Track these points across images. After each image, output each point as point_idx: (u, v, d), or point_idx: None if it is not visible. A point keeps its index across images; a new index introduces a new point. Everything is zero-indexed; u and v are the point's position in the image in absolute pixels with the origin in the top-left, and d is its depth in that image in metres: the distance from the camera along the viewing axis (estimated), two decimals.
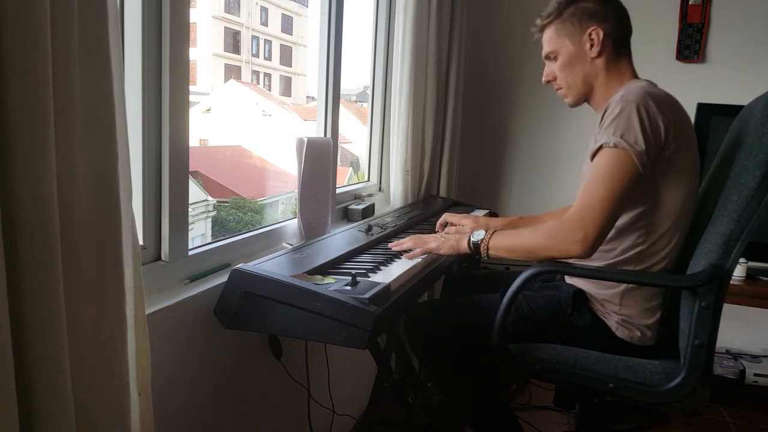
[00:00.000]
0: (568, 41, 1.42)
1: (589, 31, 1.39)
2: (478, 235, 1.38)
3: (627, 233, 1.34)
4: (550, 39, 1.46)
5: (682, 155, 1.29)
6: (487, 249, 1.36)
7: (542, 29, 1.47)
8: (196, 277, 1.27)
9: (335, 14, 1.89)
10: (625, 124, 1.24)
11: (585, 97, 1.47)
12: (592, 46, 1.40)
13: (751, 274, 2.36)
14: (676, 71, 2.64)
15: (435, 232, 1.66)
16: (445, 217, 1.71)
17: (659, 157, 1.27)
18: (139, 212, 1.14)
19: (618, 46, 1.42)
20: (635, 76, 1.44)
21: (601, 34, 1.39)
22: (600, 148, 1.27)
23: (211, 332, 1.23)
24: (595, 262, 1.40)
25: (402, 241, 1.50)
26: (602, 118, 1.30)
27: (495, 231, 1.38)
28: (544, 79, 1.51)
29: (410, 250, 1.47)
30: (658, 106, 1.26)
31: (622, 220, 1.33)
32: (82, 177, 0.72)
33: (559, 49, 1.44)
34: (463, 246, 1.41)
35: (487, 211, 2.31)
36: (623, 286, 1.34)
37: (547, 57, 1.48)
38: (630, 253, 1.34)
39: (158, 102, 1.15)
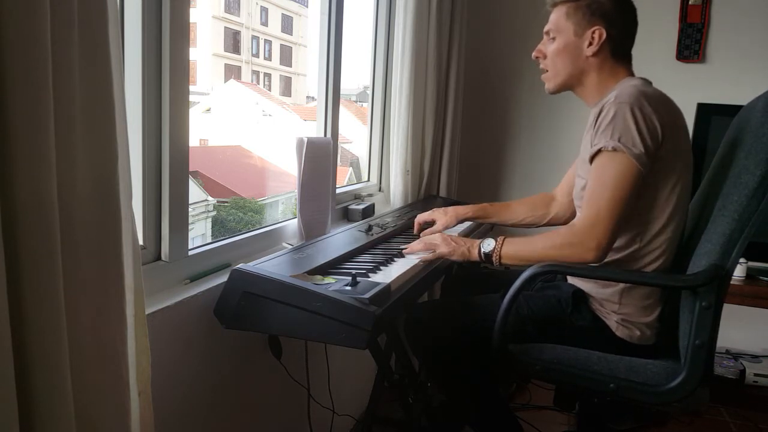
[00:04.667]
0: (572, 29, 1.41)
1: (593, 29, 1.39)
2: (489, 245, 1.38)
3: (625, 232, 1.34)
4: (557, 18, 1.44)
5: (676, 153, 1.30)
6: (500, 259, 1.36)
7: (555, 5, 1.45)
8: (196, 277, 1.27)
9: (335, 14, 1.89)
10: (622, 126, 1.25)
11: (567, 88, 1.47)
12: (590, 44, 1.40)
13: (751, 274, 2.36)
14: (676, 71, 2.64)
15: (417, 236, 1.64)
16: (417, 218, 1.71)
17: (656, 155, 1.27)
18: (139, 212, 1.14)
19: (616, 52, 1.41)
20: (631, 75, 1.44)
21: (603, 36, 1.38)
22: (599, 152, 1.27)
23: (211, 332, 1.23)
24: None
25: (413, 245, 1.48)
26: (597, 120, 1.30)
27: (505, 239, 1.37)
28: (534, 54, 1.50)
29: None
30: (652, 105, 1.26)
31: None
32: (82, 177, 0.72)
33: (560, 32, 1.43)
34: (474, 255, 1.40)
35: None
36: (622, 285, 1.34)
37: (547, 33, 1.47)
38: (626, 251, 1.34)
39: (158, 102, 1.15)
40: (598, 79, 1.43)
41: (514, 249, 1.36)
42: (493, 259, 1.37)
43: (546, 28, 1.47)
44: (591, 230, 1.26)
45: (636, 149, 1.24)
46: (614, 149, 1.25)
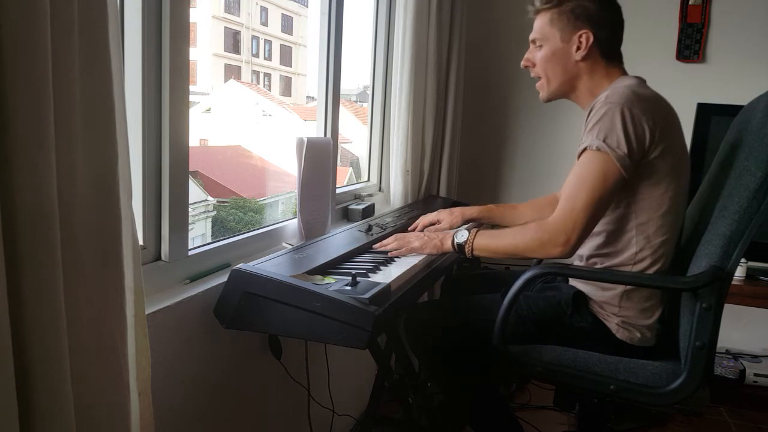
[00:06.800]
0: (558, 35, 1.40)
1: (580, 33, 1.38)
2: (462, 236, 1.38)
3: (621, 235, 1.34)
4: (541, 26, 1.43)
5: (670, 156, 1.29)
6: (472, 250, 1.36)
7: (538, 13, 1.44)
8: (196, 277, 1.26)
9: (335, 14, 1.88)
10: (608, 127, 1.24)
11: (562, 94, 1.47)
12: (578, 48, 1.39)
13: (751, 274, 2.36)
14: (676, 71, 2.64)
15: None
16: (422, 219, 1.71)
17: (645, 159, 1.26)
18: (139, 212, 1.14)
19: (606, 53, 1.40)
20: (624, 74, 1.43)
21: (591, 39, 1.37)
22: (584, 150, 1.27)
23: (211, 332, 1.23)
24: (594, 266, 1.40)
25: (386, 241, 1.50)
26: (587, 119, 1.30)
27: (479, 231, 1.38)
28: (523, 63, 1.49)
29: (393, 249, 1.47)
30: (644, 107, 1.25)
31: (615, 223, 1.33)
32: (82, 177, 0.72)
33: (546, 40, 1.42)
34: (447, 246, 1.41)
35: None
36: (623, 288, 1.34)
37: (533, 42, 1.46)
38: (625, 254, 1.34)
39: (158, 102, 1.15)
40: (591, 83, 1.42)
41: (485, 241, 1.36)
42: (466, 250, 1.37)
43: (531, 37, 1.46)
44: (562, 225, 1.25)
45: (620, 150, 1.23)
46: (598, 149, 1.24)
